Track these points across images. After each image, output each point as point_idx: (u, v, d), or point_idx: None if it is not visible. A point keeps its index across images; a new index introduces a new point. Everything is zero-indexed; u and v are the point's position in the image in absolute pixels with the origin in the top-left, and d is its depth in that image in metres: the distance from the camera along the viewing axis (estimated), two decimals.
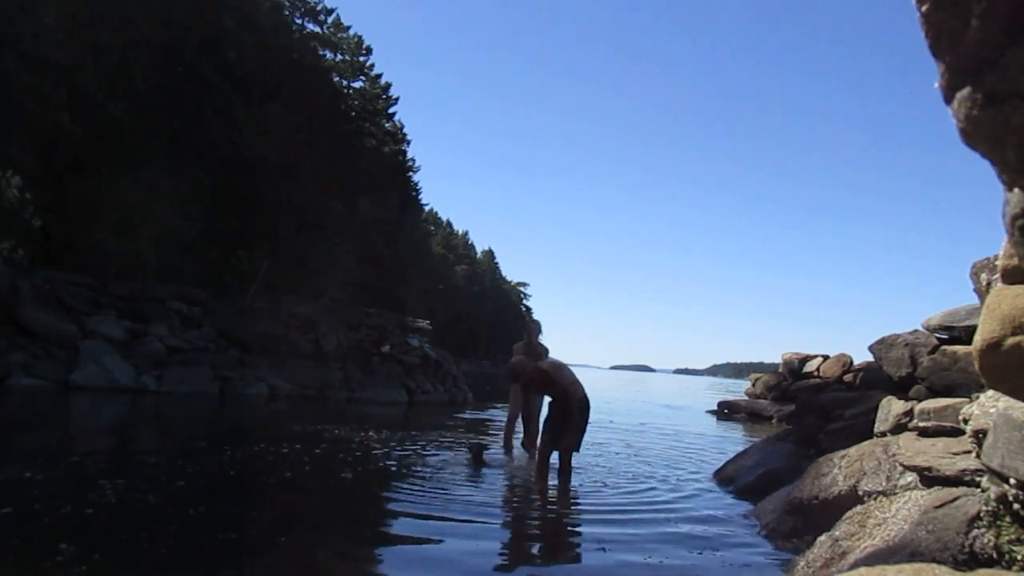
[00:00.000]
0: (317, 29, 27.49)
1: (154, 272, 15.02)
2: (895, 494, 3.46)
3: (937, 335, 5.85)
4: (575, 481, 5.93)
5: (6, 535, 3.29)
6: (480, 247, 78.91)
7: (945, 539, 2.68)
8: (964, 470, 3.07)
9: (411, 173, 33.65)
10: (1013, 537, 2.51)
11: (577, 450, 5.93)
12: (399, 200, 31.35)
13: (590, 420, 5.99)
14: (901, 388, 6.14)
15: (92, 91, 14.15)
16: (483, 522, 4.34)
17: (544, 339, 11.55)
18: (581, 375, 6.22)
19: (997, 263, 2.09)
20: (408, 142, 32.50)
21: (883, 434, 4.29)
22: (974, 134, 1.21)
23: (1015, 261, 1.74)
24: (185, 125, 17.51)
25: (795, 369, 17.05)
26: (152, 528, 3.61)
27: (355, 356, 15.18)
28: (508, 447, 7.61)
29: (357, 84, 29.67)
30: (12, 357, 10.67)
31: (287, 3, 25.11)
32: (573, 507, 5.08)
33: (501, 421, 8.00)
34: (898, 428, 4.16)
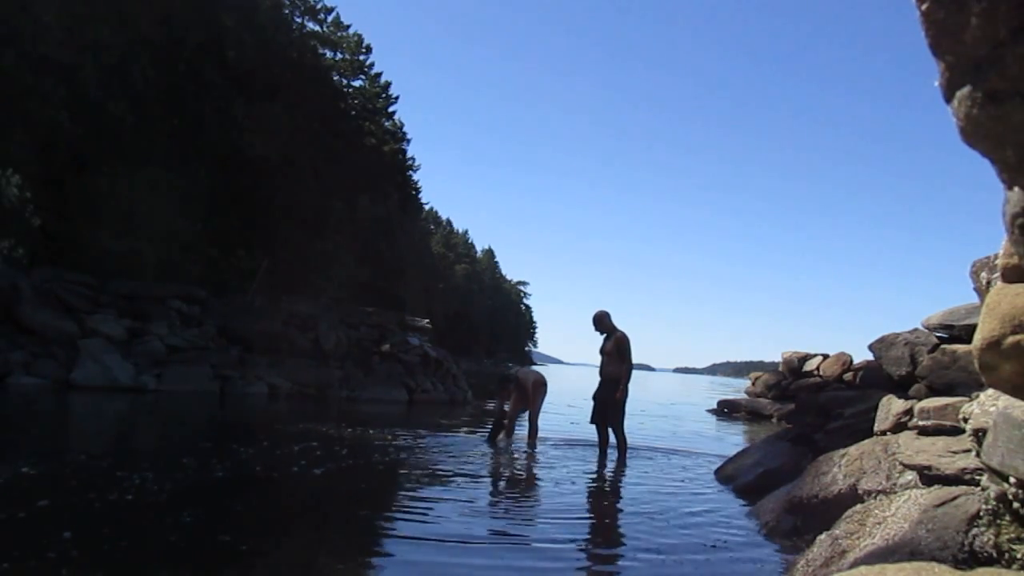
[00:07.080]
0: (317, 28, 27.51)
1: (154, 271, 15.01)
2: (895, 493, 3.46)
3: (937, 334, 5.84)
4: (573, 480, 6.01)
5: (5, 533, 3.29)
6: (480, 246, 79.20)
7: (945, 538, 2.68)
8: (964, 469, 3.07)
9: (411, 172, 33.66)
10: (1013, 536, 2.51)
11: (620, 421, 7.59)
12: (399, 199, 31.39)
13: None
14: (901, 387, 6.12)
15: (92, 91, 14.13)
16: (482, 520, 4.34)
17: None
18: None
19: (997, 262, 2.09)
20: (408, 141, 32.51)
21: (883, 433, 4.28)
22: (974, 133, 1.21)
23: (1015, 260, 1.74)
24: (185, 124, 17.50)
25: (795, 368, 17.05)
26: (152, 527, 3.61)
27: (355, 355, 15.18)
28: (507, 441, 7.99)
29: (357, 83, 29.70)
30: (12, 356, 10.68)
31: (287, 2, 25.12)
32: (572, 506, 5.09)
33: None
34: (898, 427, 4.16)
